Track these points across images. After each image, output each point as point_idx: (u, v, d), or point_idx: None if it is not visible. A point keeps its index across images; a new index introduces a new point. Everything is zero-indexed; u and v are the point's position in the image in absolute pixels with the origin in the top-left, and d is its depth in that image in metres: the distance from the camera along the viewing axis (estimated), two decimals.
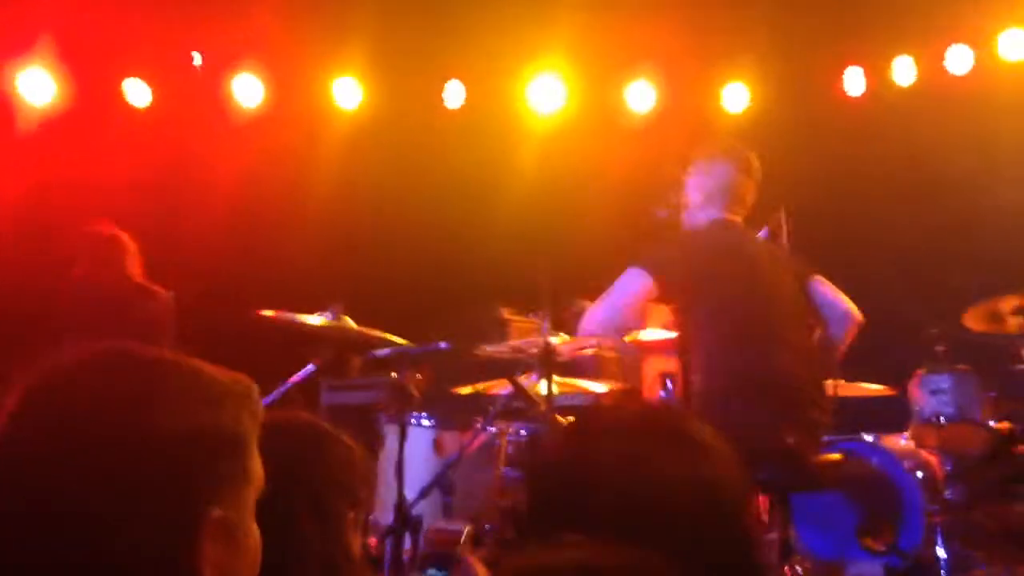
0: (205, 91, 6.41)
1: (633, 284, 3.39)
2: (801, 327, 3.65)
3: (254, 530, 1.12)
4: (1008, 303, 4.70)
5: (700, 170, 3.75)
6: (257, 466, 1.13)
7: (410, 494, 3.31)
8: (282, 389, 3.67)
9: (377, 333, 3.69)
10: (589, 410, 1.45)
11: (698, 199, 3.70)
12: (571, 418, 3.82)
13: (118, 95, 6.26)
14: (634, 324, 3.60)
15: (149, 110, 6.33)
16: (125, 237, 4.99)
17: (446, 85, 6.65)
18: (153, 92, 6.30)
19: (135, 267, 4.99)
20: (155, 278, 5.14)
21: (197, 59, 6.29)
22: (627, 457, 1.22)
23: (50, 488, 1.03)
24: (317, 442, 1.70)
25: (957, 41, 6.32)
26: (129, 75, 6.24)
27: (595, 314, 3.44)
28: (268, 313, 3.65)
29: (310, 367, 3.72)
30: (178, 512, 1.03)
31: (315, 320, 3.58)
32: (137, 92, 6.27)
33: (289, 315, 3.64)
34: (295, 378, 3.66)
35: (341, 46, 6.40)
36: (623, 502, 1.18)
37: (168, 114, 6.34)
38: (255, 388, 1.17)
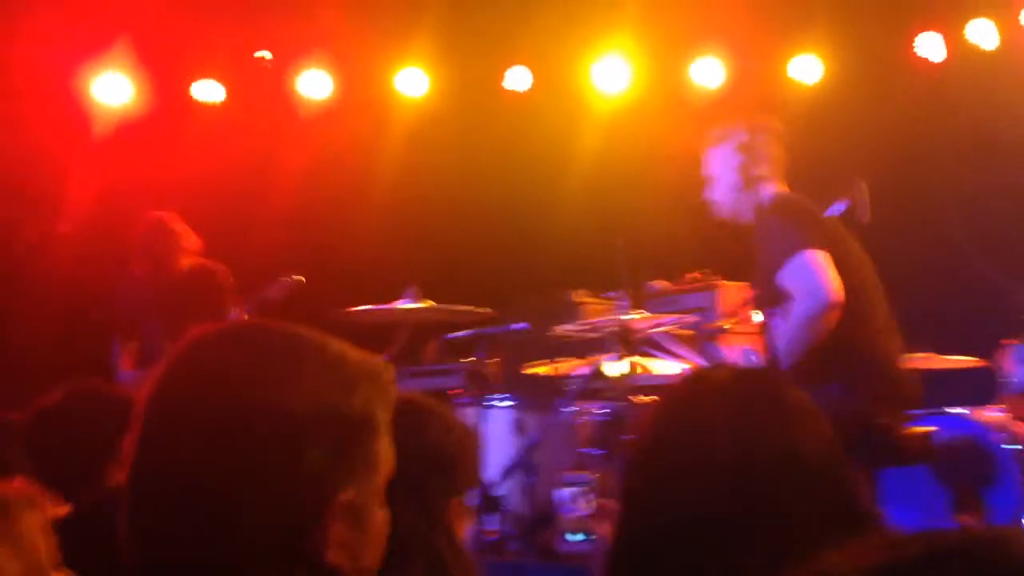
0: (274, 88, 6.49)
1: (830, 263, 3.21)
2: (886, 302, 3.56)
3: (381, 515, 1.11)
4: None
5: (734, 147, 3.62)
6: (387, 450, 1.11)
7: (492, 476, 3.31)
8: None
9: (460, 307, 3.71)
10: (684, 380, 1.39)
11: (741, 179, 3.57)
12: (657, 395, 3.79)
13: (190, 95, 6.37)
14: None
15: (221, 109, 6.43)
16: (172, 220, 5.03)
17: (511, 69, 6.63)
18: (225, 91, 6.40)
19: (187, 248, 5.04)
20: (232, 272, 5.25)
21: (266, 56, 6.37)
22: (735, 422, 1.19)
23: (187, 460, 1.03)
24: (415, 421, 1.53)
25: None
26: (201, 75, 6.34)
27: (825, 304, 3.18)
28: (355, 308, 3.70)
29: (385, 354, 3.74)
30: (307, 492, 1.03)
31: (401, 305, 3.60)
32: (209, 92, 6.37)
33: (373, 307, 3.68)
34: None
35: (405, 36, 6.43)
36: (735, 468, 1.15)
37: (239, 112, 6.44)
38: (389, 369, 1.14)
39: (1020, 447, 4.42)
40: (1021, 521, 4.26)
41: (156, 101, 6.31)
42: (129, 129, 6.25)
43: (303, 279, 4.72)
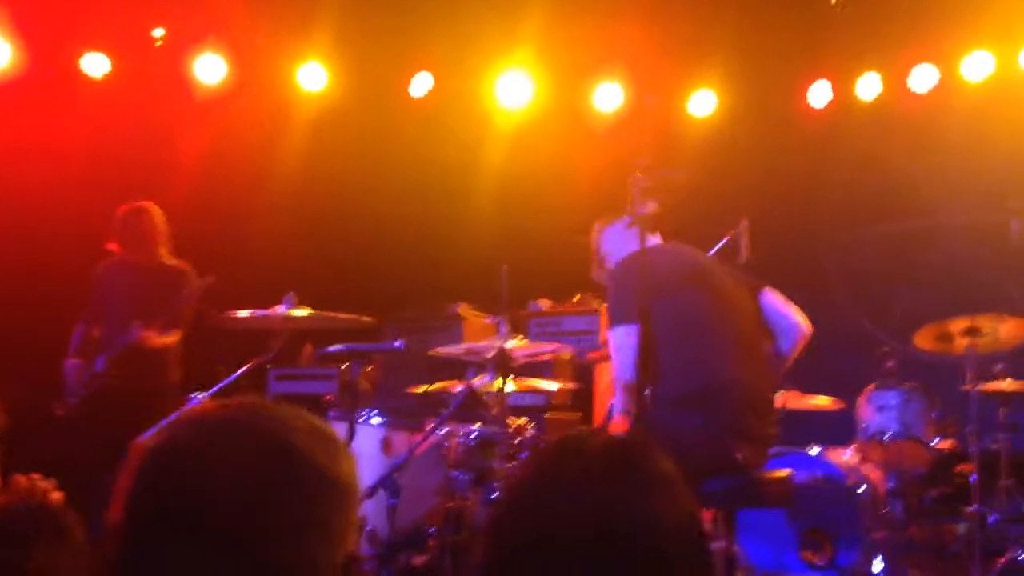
0: (166, 67, 6.29)
1: (631, 341, 3.37)
2: (757, 339, 3.65)
3: None
4: (957, 324, 4.77)
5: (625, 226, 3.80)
6: None
7: None
8: (228, 380, 3.63)
9: (339, 315, 3.66)
10: (551, 446, 1.40)
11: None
12: (524, 421, 3.82)
13: (75, 66, 6.12)
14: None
15: (107, 81, 6.19)
16: (155, 213, 5.18)
17: (414, 75, 6.58)
18: (112, 64, 6.17)
19: (165, 242, 5.18)
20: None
21: (158, 33, 6.17)
22: (597, 493, 1.21)
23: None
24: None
25: (923, 60, 6.38)
26: (87, 48, 6.11)
27: (620, 382, 3.40)
28: (231, 314, 3.63)
29: (246, 366, 3.68)
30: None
31: (273, 314, 3.53)
32: (95, 64, 6.14)
33: (245, 313, 3.61)
34: (241, 370, 3.62)
35: (306, 30, 6.31)
36: (595, 539, 1.17)
37: (127, 87, 6.21)
38: None
39: (867, 490, 4.63)
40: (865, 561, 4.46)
41: (39, 69, 6.03)
42: (10, 95, 5.96)
43: (212, 280, 4.77)
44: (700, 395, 3.37)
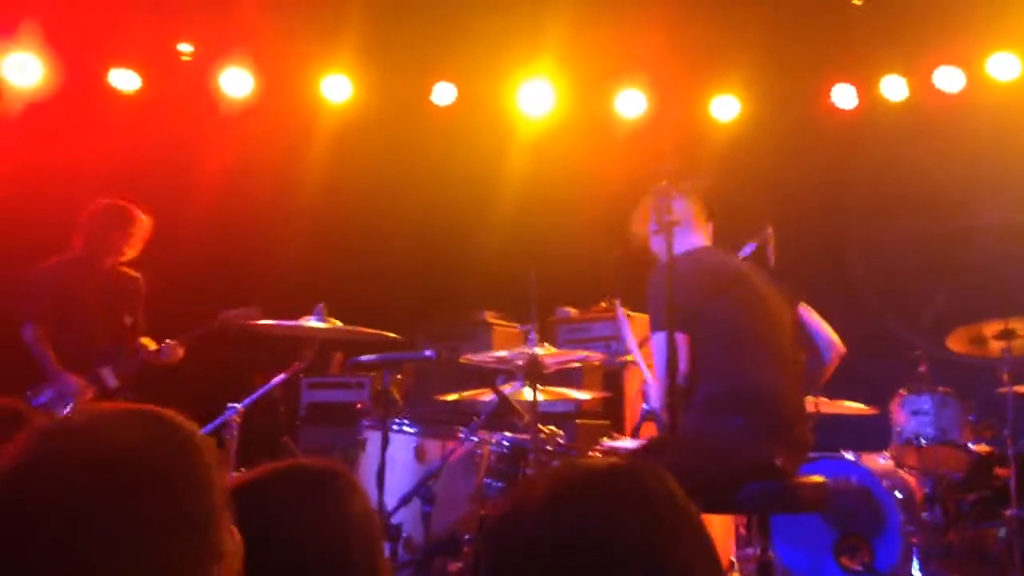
0: (193, 82, 6.34)
1: (663, 345, 3.36)
2: (794, 347, 3.65)
3: None
4: (991, 327, 4.72)
5: (681, 197, 3.76)
6: None
7: (390, 501, 3.28)
8: (261, 392, 3.65)
9: (367, 331, 3.67)
10: (551, 470, 1.41)
11: (683, 220, 3.69)
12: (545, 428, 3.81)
13: (104, 82, 6.18)
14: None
15: (136, 98, 6.25)
16: (127, 209, 4.83)
17: (436, 85, 6.60)
18: (141, 80, 6.23)
19: (132, 242, 4.82)
20: (140, 265, 5.11)
21: (186, 49, 6.23)
22: (594, 517, 1.21)
23: None
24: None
25: (947, 62, 6.34)
26: (116, 64, 6.17)
27: (658, 380, 3.42)
28: (261, 323, 3.64)
29: (281, 376, 3.68)
30: None
31: (304, 324, 3.55)
32: (124, 80, 6.20)
33: (277, 323, 3.62)
34: (275, 381, 3.63)
35: (330, 42, 6.35)
36: (587, 565, 1.17)
37: (155, 103, 6.26)
38: None
39: (904, 495, 4.58)
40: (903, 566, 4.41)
41: (69, 85, 6.09)
42: (40, 112, 6.03)
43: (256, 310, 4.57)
44: (739, 398, 3.37)
